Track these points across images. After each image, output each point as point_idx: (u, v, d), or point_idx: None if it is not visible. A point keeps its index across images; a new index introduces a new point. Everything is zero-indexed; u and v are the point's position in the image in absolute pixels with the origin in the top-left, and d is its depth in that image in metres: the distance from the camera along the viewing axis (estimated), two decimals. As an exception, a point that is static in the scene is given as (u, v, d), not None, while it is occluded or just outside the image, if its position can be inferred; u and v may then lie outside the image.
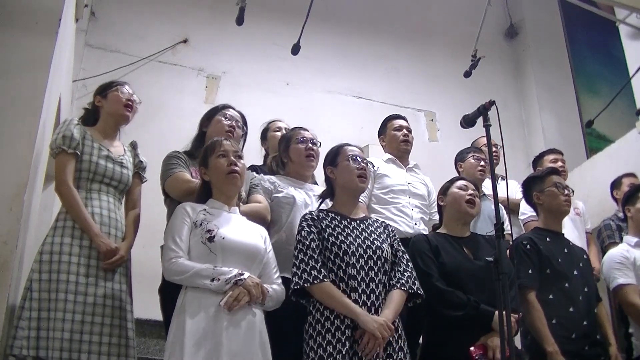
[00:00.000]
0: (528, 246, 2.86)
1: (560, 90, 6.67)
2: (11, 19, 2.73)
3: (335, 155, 2.65)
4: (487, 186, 3.71)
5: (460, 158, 3.89)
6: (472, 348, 2.43)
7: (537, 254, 2.84)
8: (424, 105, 6.23)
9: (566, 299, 2.77)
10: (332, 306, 2.30)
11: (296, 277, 2.34)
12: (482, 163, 3.74)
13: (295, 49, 4.21)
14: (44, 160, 2.96)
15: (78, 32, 4.33)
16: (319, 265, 2.35)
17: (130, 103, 2.79)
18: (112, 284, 2.51)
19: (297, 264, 2.37)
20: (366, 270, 2.38)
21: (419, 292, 2.44)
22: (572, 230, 3.87)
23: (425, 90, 6.30)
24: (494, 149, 4.15)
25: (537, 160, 4.35)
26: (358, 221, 2.54)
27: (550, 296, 2.78)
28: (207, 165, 2.46)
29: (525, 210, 3.88)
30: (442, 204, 2.89)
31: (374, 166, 2.79)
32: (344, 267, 2.37)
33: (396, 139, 3.59)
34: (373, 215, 3.02)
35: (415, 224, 3.28)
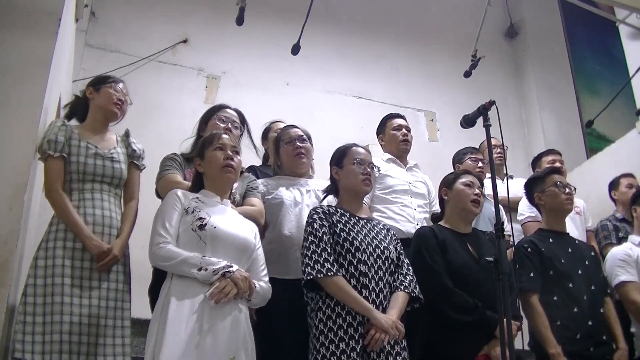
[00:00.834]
0: (529, 249, 2.86)
1: (560, 90, 6.66)
2: (11, 19, 2.73)
3: (342, 157, 2.66)
4: (487, 186, 3.71)
5: (457, 160, 3.89)
6: None
7: (538, 256, 2.84)
8: (424, 105, 6.23)
9: (570, 299, 2.77)
10: (344, 300, 2.30)
11: (308, 267, 2.33)
12: (480, 164, 3.74)
13: (295, 49, 4.20)
14: (44, 161, 2.96)
15: (78, 32, 4.33)
16: (331, 258, 2.35)
17: (120, 102, 2.76)
18: (108, 284, 2.50)
19: (310, 255, 2.36)
20: (375, 268, 2.40)
21: (419, 296, 2.45)
22: (572, 229, 3.85)
23: (425, 90, 6.30)
24: (499, 150, 4.21)
25: (536, 162, 4.35)
26: (365, 221, 2.56)
27: (554, 297, 2.78)
28: (203, 157, 2.43)
29: (523, 211, 3.88)
30: (445, 197, 2.87)
31: (379, 170, 2.80)
32: (355, 263, 2.37)
33: (395, 139, 3.59)
34: (374, 215, 3.03)
35: (417, 223, 3.28)
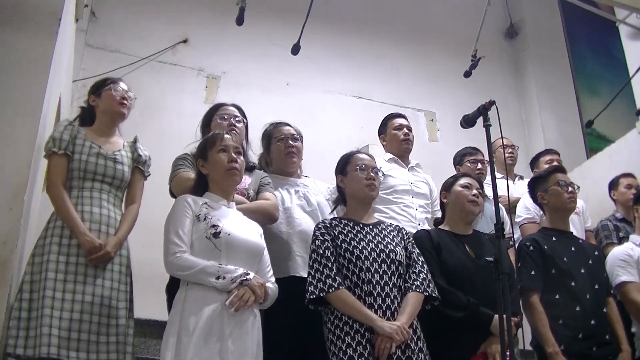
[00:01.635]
0: (531, 247, 2.86)
1: (560, 90, 6.67)
2: (11, 19, 2.73)
3: (345, 164, 2.67)
4: (489, 184, 3.72)
5: (457, 162, 3.89)
6: None
7: (540, 254, 2.84)
8: (424, 105, 6.23)
9: (572, 298, 2.77)
10: (348, 313, 2.33)
11: (312, 286, 2.37)
12: (479, 166, 3.74)
13: (295, 49, 4.20)
14: (44, 160, 2.96)
15: (78, 32, 4.33)
16: (333, 273, 2.38)
17: (125, 100, 2.77)
18: (103, 281, 2.49)
19: (313, 274, 2.40)
20: (380, 273, 2.41)
21: (433, 294, 2.45)
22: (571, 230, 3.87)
23: (425, 90, 6.30)
24: (510, 150, 4.21)
25: (534, 162, 4.36)
26: (371, 226, 2.57)
27: (557, 296, 2.78)
28: (206, 159, 2.42)
29: (521, 213, 3.89)
30: (445, 200, 2.89)
31: (383, 174, 2.80)
32: (357, 272, 2.39)
33: (397, 138, 3.59)
34: (376, 216, 3.02)
35: (419, 223, 3.28)
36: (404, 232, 2.63)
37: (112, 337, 2.46)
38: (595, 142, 6.44)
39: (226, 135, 2.46)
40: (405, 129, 3.61)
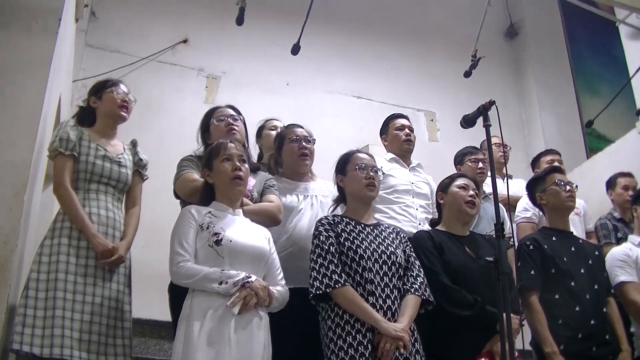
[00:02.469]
0: (531, 247, 2.86)
1: (560, 90, 6.67)
2: (11, 19, 2.73)
3: (345, 164, 2.67)
4: (489, 184, 3.72)
5: (458, 161, 3.89)
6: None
7: (540, 254, 2.84)
8: (424, 105, 6.23)
9: (572, 298, 2.77)
10: (352, 311, 2.32)
11: (317, 282, 2.36)
12: (481, 165, 3.74)
13: (295, 49, 4.20)
14: (44, 161, 2.96)
15: (78, 32, 4.33)
16: (339, 269, 2.37)
17: (125, 103, 2.78)
18: (111, 284, 2.52)
19: (317, 269, 2.38)
20: (381, 275, 2.41)
21: (430, 298, 2.46)
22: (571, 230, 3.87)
23: (425, 90, 6.30)
24: (502, 149, 4.21)
25: (535, 162, 4.35)
26: (372, 227, 2.57)
27: (556, 296, 2.78)
28: (212, 168, 2.47)
29: (519, 213, 3.89)
30: (441, 201, 2.89)
31: (383, 173, 2.79)
32: (360, 272, 2.39)
33: (398, 138, 3.59)
34: (377, 216, 3.02)
35: (420, 223, 3.28)
36: (402, 235, 2.64)
37: (118, 340, 2.48)
38: (595, 142, 6.44)
39: (230, 144, 2.50)
40: (407, 130, 3.61)
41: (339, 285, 2.33)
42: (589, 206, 4.35)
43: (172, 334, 2.37)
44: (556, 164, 4.04)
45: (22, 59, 2.69)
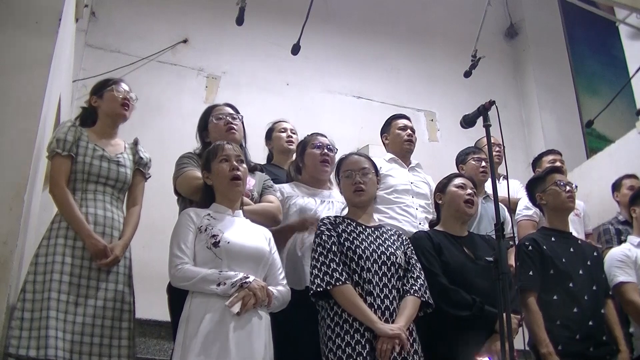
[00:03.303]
0: (530, 247, 2.86)
1: (560, 90, 6.66)
2: (11, 19, 2.73)
3: (338, 169, 2.72)
4: (489, 186, 3.72)
5: (461, 160, 3.89)
6: (478, 359, 2.43)
7: (539, 254, 2.84)
8: (424, 105, 6.23)
9: (570, 299, 2.77)
10: (350, 310, 2.33)
11: (317, 279, 2.37)
12: (483, 164, 3.74)
13: (295, 49, 4.20)
14: (44, 161, 2.96)
15: (78, 32, 4.33)
16: (340, 267, 2.39)
17: (127, 102, 2.77)
18: (108, 284, 2.50)
19: (319, 267, 2.40)
20: (380, 275, 2.42)
21: (429, 301, 2.46)
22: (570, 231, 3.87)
23: (425, 90, 6.30)
24: (497, 149, 4.21)
25: (536, 162, 4.35)
26: (372, 228, 2.58)
27: (555, 297, 2.78)
28: (210, 170, 2.48)
29: (520, 211, 3.89)
30: (439, 202, 2.89)
31: (378, 174, 2.80)
32: (359, 272, 2.40)
33: (400, 138, 3.59)
34: (377, 216, 3.03)
35: (420, 223, 3.28)
36: (403, 237, 2.65)
37: (114, 341, 2.46)
38: (595, 142, 6.44)
39: (227, 145, 2.52)
40: (409, 130, 3.62)
41: (340, 283, 2.34)
42: (589, 206, 4.35)
43: (172, 334, 2.37)
44: (558, 164, 4.04)
45: (22, 59, 2.69)
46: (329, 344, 2.31)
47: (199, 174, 2.64)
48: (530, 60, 6.70)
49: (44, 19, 2.79)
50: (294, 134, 3.45)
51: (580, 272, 2.85)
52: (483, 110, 2.39)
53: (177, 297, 2.35)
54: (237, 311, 2.14)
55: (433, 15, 6.59)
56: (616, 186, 4.17)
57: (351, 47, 6.13)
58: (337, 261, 2.40)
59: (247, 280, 2.21)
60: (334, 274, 2.36)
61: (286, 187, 2.98)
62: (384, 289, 2.40)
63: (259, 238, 2.41)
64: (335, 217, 2.61)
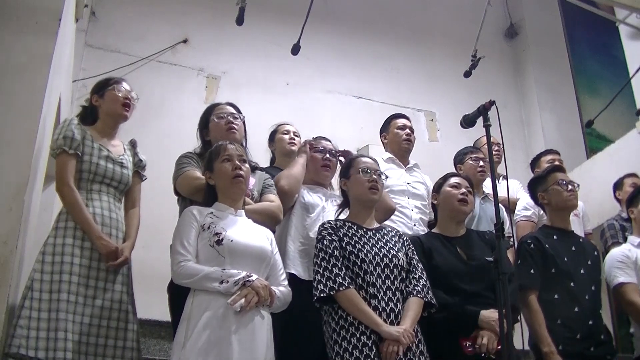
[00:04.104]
0: (532, 245, 2.86)
1: (560, 90, 6.67)
2: (11, 19, 2.73)
3: (348, 167, 2.70)
4: (488, 186, 3.72)
5: (459, 160, 3.89)
6: (463, 341, 2.45)
7: (541, 253, 2.84)
8: (424, 105, 6.23)
9: (571, 299, 2.77)
10: (354, 314, 2.34)
11: (321, 284, 2.37)
12: (482, 163, 3.74)
13: (295, 49, 4.20)
14: (44, 160, 2.96)
15: (78, 32, 4.32)
16: (342, 272, 2.39)
17: (128, 101, 2.77)
18: (114, 285, 2.51)
19: (322, 272, 2.40)
20: (383, 278, 2.42)
21: (432, 301, 2.47)
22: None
23: (425, 90, 6.30)
24: (496, 148, 4.21)
25: (535, 162, 4.36)
26: (374, 231, 2.58)
27: (556, 296, 2.78)
28: (212, 170, 2.48)
29: (519, 212, 3.89)
30: (435, 202, 2.89)
31: (386, 177, 2.81)
32: (362, 275, 2.41)
33: (399, 138, 3.60)
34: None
35: (415, 224, 3.29)
36: (405, 238, 2.65)
37: (119, 342, 2.47)
38: (595, 142, 6.45)
39: (229, 145, 2.52)
40: (408, 130, 3.63)
41: (343, 288, 2.35)
42: (589, 206, 4.35)
43: (172, 334, 2.37)
44: (557, 163, 4.04)
45: (22, 59, 2.69)
46: (336, 347, 2.32)
47: (199, 173, 2.64)
48: (530, 60, 6.70)
49: (44, 19, 2.78)
50: (296, 136, 3.45)
51: (582, 271, 2.85)
52: (483, 110, 2.39)
53: (177, 296, 2.35)
54: (239, 309, 2.14)
55: (433, 15, 6.60)
56: (618, 185, 4.18)
57: (351, 47, 6.13)
58: (340, 266, 2.40)
59: (250, 278, 2.21)
60: (337, 278, 2.36)
61: None
62: (388, 291, 2.40)
63: (262, 238, 2.41)
64: (336, 220, 2.61)
